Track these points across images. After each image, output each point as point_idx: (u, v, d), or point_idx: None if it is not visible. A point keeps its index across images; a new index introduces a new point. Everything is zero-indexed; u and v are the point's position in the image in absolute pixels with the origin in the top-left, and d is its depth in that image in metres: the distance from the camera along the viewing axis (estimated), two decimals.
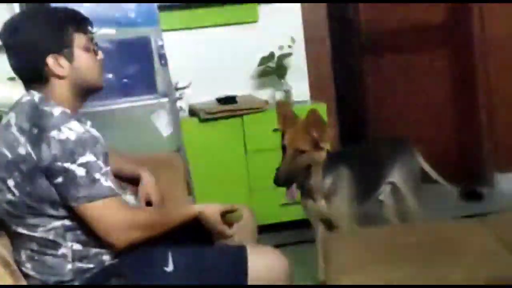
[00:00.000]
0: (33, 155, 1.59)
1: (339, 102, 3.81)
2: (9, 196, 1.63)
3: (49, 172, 1.59)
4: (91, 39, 1.77)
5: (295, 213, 3.31)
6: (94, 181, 1.60)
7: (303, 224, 3.24)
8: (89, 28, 1.78)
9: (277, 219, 3.37)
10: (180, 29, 3.51)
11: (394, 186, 2.69)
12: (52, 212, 1.64)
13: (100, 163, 1.63)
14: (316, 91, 3.71)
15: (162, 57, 2.49)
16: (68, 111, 1.68)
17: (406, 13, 3.92)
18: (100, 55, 1.80)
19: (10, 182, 1.62)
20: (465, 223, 2.31)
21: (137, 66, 2.44)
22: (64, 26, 1.70)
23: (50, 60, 1.68)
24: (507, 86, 3.69)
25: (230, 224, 1.85)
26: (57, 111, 1.64)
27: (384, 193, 2.72)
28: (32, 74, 1.71)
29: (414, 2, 3.83)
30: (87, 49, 1.74)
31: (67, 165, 1.58)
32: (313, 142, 2.24)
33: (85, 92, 1.77)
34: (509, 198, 3.58)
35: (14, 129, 1.62)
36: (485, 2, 3.64)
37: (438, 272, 1.68)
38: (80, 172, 1.59)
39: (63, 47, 1.69)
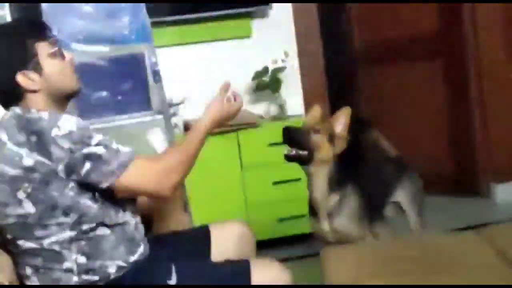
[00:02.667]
0: (45, 161, 1.58)
1: (333, 115, 3.80)
2: (19, 209, 1.62)
3: (73, 167, 1.60)
4: (54, 43, 1.74)
5: (292, 228, 3.31)
6: (116, 151, 1.64)
7: (300, 239, 3.23)
8: (49, 32, 1.75)
9: (274, 235, 3.34)
10: (174, 45, 3.51)
11: (398, 206, 2.67)
12: (62, 219, 1.64)
13: (107, 136, 1.66)
14: (310, 104, 3.69)
15: (156, 74, 2.48)
16: (55, 111, 1.68)
17: (398, 24, 3.94)
18: (68, 55, 1.78)
19: (21, 195, 1.61)
20: (463, 235, 2.30)
21: (131, 83, 2.43)
22: (23, 40, 1.68)
23: (20, 77, 1.67)
24: (500, 95, 3.70)
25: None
26: (45, 114, 1.64)
27: (388, 212, 2.70)
28: (6, 95, 1.71)
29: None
30: (53, 55, 1.72)
31: (86, 150, 1.60)
32: (330, 133, 2.25)
33: (63, 98, 1.77)
34: (506, 209, 3.58)
35: (10, 145, 1.60)
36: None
37: (437, 285, 1.67)
38: (100, 150, 1.62)
39: (29, 61, 1.68)
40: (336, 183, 2.29)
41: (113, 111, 2.41)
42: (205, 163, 3.27)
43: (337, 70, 4.31)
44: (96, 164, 1.61)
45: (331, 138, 2.25)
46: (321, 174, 2.28)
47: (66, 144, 1.58)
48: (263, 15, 3.62)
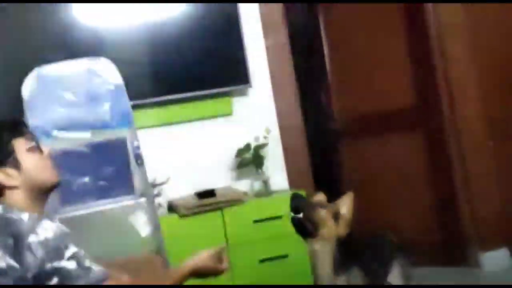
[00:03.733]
0: (17, 266, 1.56)
1: (317, 189, 3.81)
2: None
3: (41, 278, 1.57)
4: (31, 139, 1.76)
5: None
6: (88, 269, 1.61)
7: None
8: (25, 128, 1.78)
9: None
10: (156, 125, 3.54)
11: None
12: None
13: (82, 250, 1.64)
14: (294, 179, 3.72)
15: (138, 157, 2.49)
16: (35, 213, 1.67)
17: (377, 97, 4.01)
18: (45, 150, 1.79)
19: None
20: None
21: (113, 168, 2.43)
22: (0, 137, 1.70)
23: None
24: (481, 164, 3.73)
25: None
26: (25, 216, 1.63)
27: None
28: None
29: None
30: (30, 150, 1.73)
31: (57, 263, 1.58)
32: (335, 213, 2.27)
33: (43, 193, 1.76)
34: (494, 277, 3.55)
35: None
36: None
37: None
38: (72, 265, 1.59)
39: (6, 158, 1.69)
40: (341, 265, 2.29)
41: (95, 197, 2.40)
42: (191, 242, 3.26)
43: (319, 144, 4.36)
44: (64, 280, 1.59)
45: (336, 218, 2.28)
46: (325, 252, 2.27)
47: (40, 253, 1.57)
48: (243, 93, 3.68)
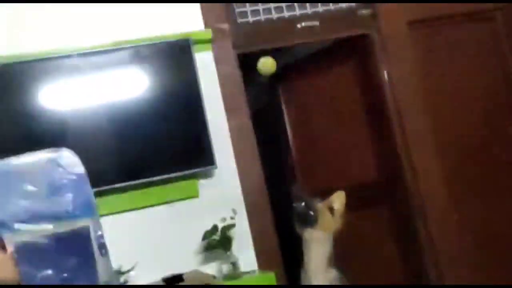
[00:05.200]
0: None
1: (287, 269, 3.77)
2: None
3: None
4: None
5: None
6: None
7: None
8: None
9: None
10: (121, 211, 3.49)
11: None
12: None
13: None
14: (263, 260, 3.68)
15: (102, 246, 2.42)
16: None
17: (341, 174, 4.04)
18: (9, 249, 1.75)
19: None
20: None
21: (76, 259, 2.35)
22: None
23: None
24: (448, 238, 3.76)
25: None
26: None
27: None
28: None
29: None
30: None
31: None
32: (330, 207, 2.36)
33: None
34: None
35: None
36: None
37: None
38: None
39: None
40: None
41: None
42: None
43: (287, 224, 4.33)
44: None
45: (331, 212, 2.37)
46: (323, 241, 2.32)
47: None
48: (209, 175, 3.67)
